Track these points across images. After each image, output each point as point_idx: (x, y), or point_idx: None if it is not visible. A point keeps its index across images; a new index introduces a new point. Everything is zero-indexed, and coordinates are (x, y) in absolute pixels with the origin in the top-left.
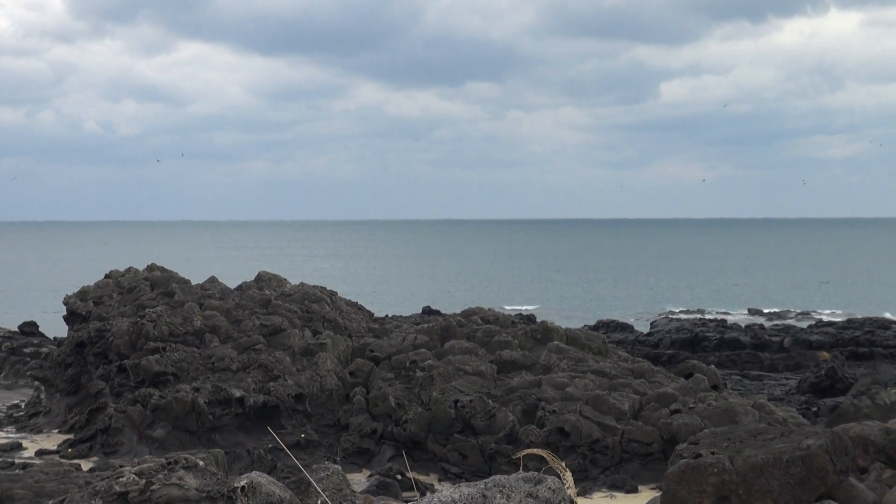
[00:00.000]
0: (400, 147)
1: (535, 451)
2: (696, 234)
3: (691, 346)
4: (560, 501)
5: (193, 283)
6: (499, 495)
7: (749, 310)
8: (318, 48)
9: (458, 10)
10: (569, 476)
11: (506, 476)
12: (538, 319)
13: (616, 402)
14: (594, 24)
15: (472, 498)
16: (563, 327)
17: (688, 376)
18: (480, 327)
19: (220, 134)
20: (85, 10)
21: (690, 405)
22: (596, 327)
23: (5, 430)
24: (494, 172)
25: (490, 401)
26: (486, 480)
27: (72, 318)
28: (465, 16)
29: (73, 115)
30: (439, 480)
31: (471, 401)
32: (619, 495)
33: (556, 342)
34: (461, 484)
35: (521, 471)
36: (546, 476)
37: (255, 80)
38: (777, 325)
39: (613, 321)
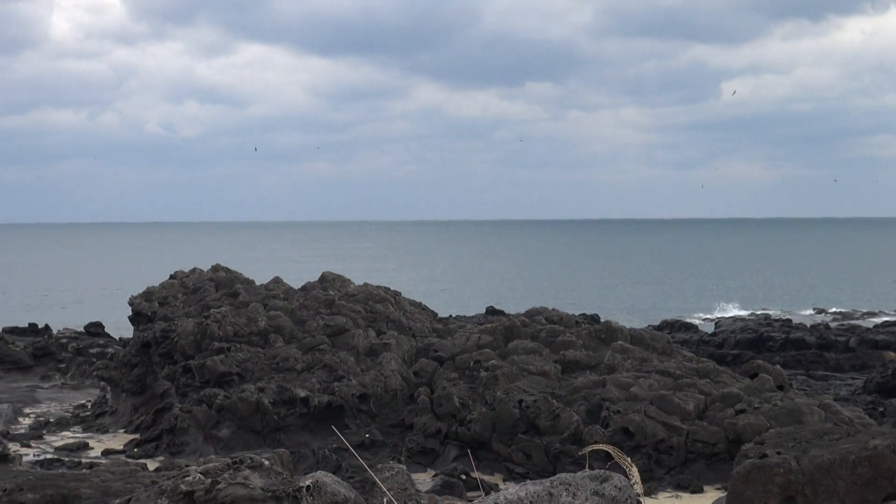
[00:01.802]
0: (460, 147)
1: (601, 446)
2: (759, 233)
3: (756, 346)
4: (627, 499)
5: (258, 283)
6: (565, 493)
7: (814, 309)
8: (377, 49)
9: (515, 9)
10: (635, 472)
11: (572, 474)
12: (602, 319)
13: (681, 402)
14: (652, 23)
15: (538, 496)
16: (628, 327)
17: (753, 376)
18: (544, 327)
19: (280, 135)
20: (145, 13)
21: (756, 405)
22: (660, 327)
23: (72, 429)
24: (555, 173)
25: (554, 401)
26: (552, 478)
27: (137, 318)
28: (522, 16)
29: (134, 117)
30: (504, 480)
31: (535, 401)
32: (685, 495)
33: (620, 342)
34: (527, 482)
35: (587, 469)
36: (612, 474)
37: (314, 82)
38: (843, 324)
39: (677, 321)
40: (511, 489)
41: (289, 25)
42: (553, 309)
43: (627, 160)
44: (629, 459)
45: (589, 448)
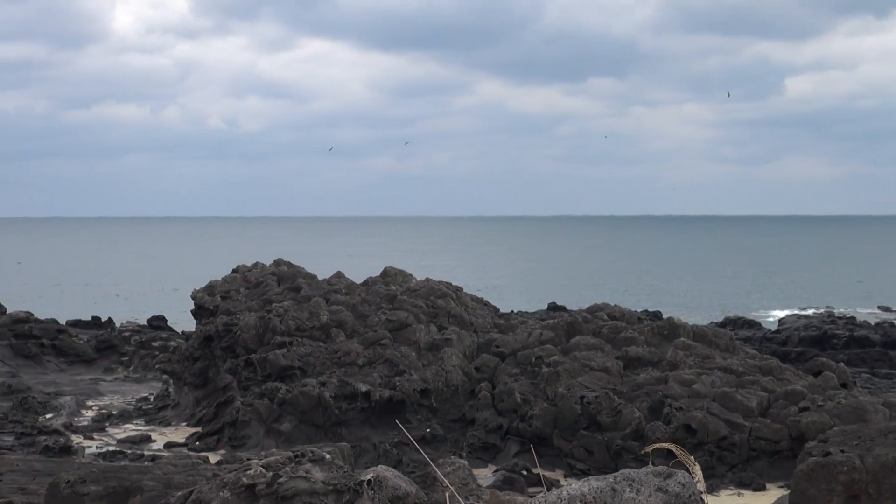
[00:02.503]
0: (522, 143)
1: (663, 444)
2: (822, 231)
3: (820, 343)
4: (690, 496)
5: (320, 278)
6: (628, 489)
7: (879, 307)
8: (439, 44)
9: (578, 5)
10: (698, 470)
11: (635, 470)
12: (664, 316)
13: (744, 399)
14: (715, 19)
15: (601, 491)
16: (690, 324)
17: (817, 374)
18: (606, 323)
19: (342, 130)
20: (208, 8)
21: (819, 403)
22: (723, 324)
23: (135, 422)
24: (618, 168)
25: (616, 397)
26: (615, 474)
27: (199, 312)
28: (585, 11)
29: (197, 112)
30: (565, 476)
31: (596, 397)
32: (747, 493)
33: (682, 339)
34: (589, 478)
35: (650, 464)
36: (676, 470)
37: (376, 77)
38: None
39: (740, 318)
40: (574, 485)
41: (351, 21)
42: (615, 305)
43: (690, 156)
44: (692, 457)
45: (651, 446)
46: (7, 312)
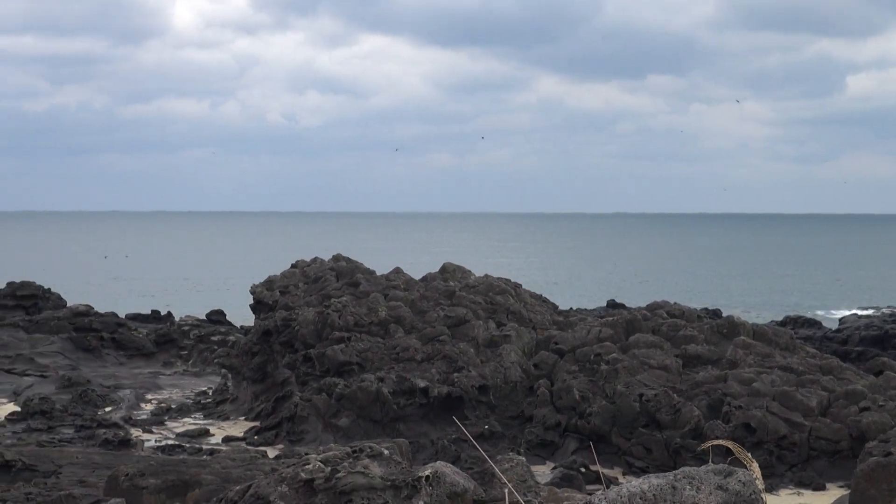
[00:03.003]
0: (581, 140)
1: (722, 442)
2: (883, 229)
3: (881, 343)
4: (750, 494)
5: (378, 273)
6: (688, 487)
7: None
8: (497, 40)
9: (636, 2)
10: (756, 468)
11: (695, 468)
12: (723, 314)
13: (804, 398)
14: (775, 16)
15: (660, 489)
16: (750, 323)
17: (878, 374)
18: (665, 321)
19: (401, 126)
20: (267, 3)
21: (880, 403)
22: (783, 323)
23: (193, 416)
24: (677, 166)
25: (675, 395)
26: (675, 472)
27: (258, 307)
28: (644, 7)
29: (256, 107)
30: (623, 474)
31: (655, 395)
32: (807, 493)
33: (742, 337)
34: (649, 475)
35: (710, 462)
36: (736, 469)
37: (435, 73)
38: None
39: (801, 317)
40: (634, 482)
41: (410, 16)
42: (674, 303)
43: (749, 154)
44: (750, 455)
45: (709, 443)
46: (67, 306)
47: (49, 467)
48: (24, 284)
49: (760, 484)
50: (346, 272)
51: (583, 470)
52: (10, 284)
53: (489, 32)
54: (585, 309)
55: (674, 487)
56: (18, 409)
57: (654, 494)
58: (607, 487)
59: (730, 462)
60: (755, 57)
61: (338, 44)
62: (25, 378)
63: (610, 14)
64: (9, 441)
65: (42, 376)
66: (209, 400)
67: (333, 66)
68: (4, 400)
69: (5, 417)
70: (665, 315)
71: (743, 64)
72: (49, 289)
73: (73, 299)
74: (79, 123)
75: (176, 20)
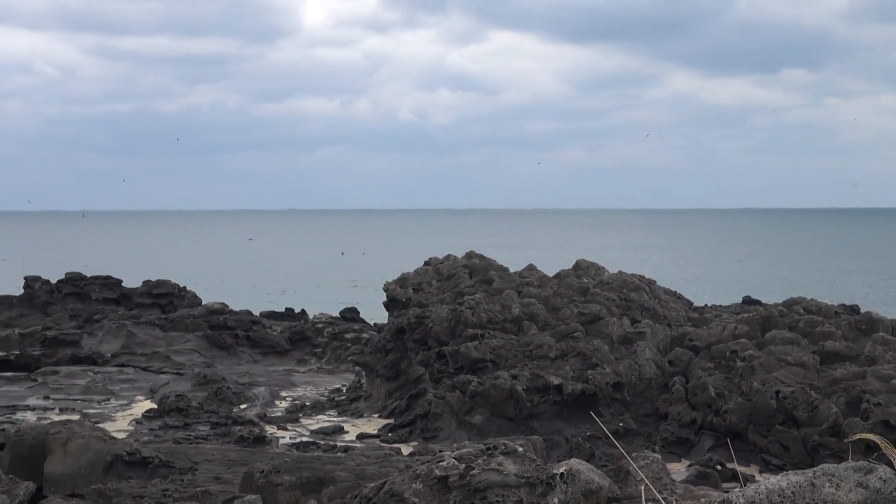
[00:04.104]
0: (714, 135)
1: (868, 436)
2: None
3: None
4: (892, 492)
5: (511, 270)
6: (827, 484)
7: None
8: (628, 36)
9: None
10: None
11: (834, 465)
12: (862, 310)
13: None
14: None
15: (799, 486)
16: (888, 318)
17: None
18: (802, 318)
19: (532, 122)
20: (396, 1)
21: None
22: None
23: (327, 413)
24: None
25: (812, 392)
26: (814, 469)
27: (392, 304)
28: (775, 1)
29: (387, 105)
30: (760, 472)
31: (793, 392)
32: None
33: (881, 333)
34: (788, 472)
35: (850, 459)
36: (877, 465)
37: (565, 69)
38: None
39: None
40: (772, 479)
41: (539, 13)
42: (811, 299)
43: (887, 148)
44: (895, 450)
45: (855, 437)
46: (203, 304)
47: (185, 464)
48: (159, 283)
49: None
50: (479, 269)
51: (719, 468)
52: (146, 283)
53: (619, 28)
54: (720, 305)
55: (812, 485)
56: (155, 406)
57: (792, 492)
58: (744, 485)
59: (876, 457)
60: (892, 50)
61: (468, 41)
62: (162, 376)
63: (742, 8)
64: (146, 438)
65: (178, 374)
66: (343, 397)
67: (464, 63)
68: (141, 397)
69: (142, 415)
70: (802, 311)
71: (879, 57)
72: (184, 287)
73: (208, 297)
74: (212, 123)
75: (306, 19)
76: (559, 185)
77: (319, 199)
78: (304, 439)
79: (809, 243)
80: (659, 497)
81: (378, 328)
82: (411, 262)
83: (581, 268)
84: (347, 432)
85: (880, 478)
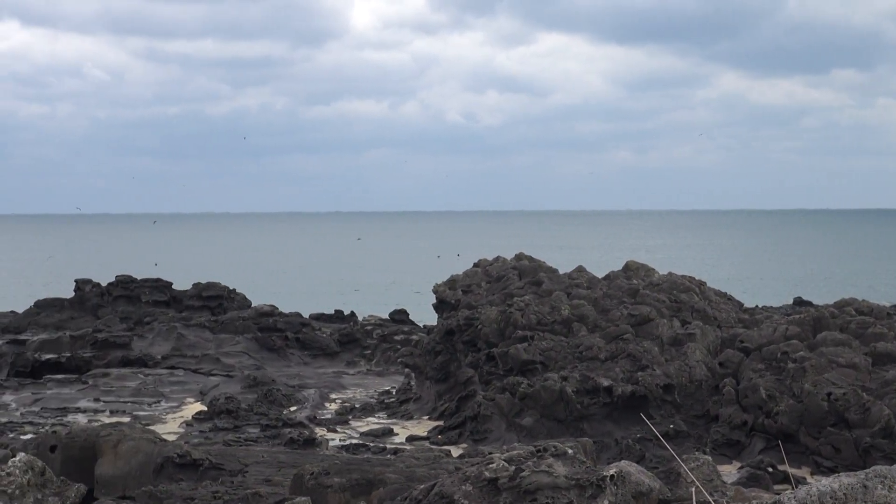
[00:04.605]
0: (764, 136)
1: None
2: None
3: None
4: None
5: (561, 272)
6: (880, 486)
7: None
8: (676, 37)
9: None
10: None
11: (887, 467)
12: None
13: None
14: None
15: (852, 488)
16: None
17: None
18: (854, 319)
19: (580, 124)
20: (445, 3)
21: None
22: None
23: (377, 415)
24: (863, 161)
25: (864, 394)
26: (867, 471)
27: (441, 306)
28: (825, 2)
29: (436, 107)
30: (811, 474)
31: (844, 394)
32: None
33: None
34: (840, 474)
35: None
36: None
37: (614, 70)
38: None
39: None
40: (824, 481)
41: (587, 14)
42: (863, 300)
43: None
44: None
45: None
46: (252, 306)
47: (235, 466)
48: (209, 285)
49: None
50: (528, 271)
51: (770, 470)
52: (195, 285)
53: (667, 29)
54: (771, 306)
55: (865, 486)
56: (205, 408)
57: (844, 493)
58: (795, 487)
59: None
60: None
61: (516, 42)
62: (212, 378)
63: (791, 8)
64: (196, 440)
65: (228, 376)
66: (393, 399)
67: (512, 64)
68: (191, 399)
69: (192, 417)
70: (853, 312)
71: None
72: (234, 289)
73: (257, 300)
74: (261, 125)
75: (354, 21)
76: (608, 186)
77: (369, 202)
78: (354, 441)
79: (860, 244)
80: (710, 499)
81: (427, 330)
82: (460, 264)
83: (631, 269)
84: (397, 434)
85: None
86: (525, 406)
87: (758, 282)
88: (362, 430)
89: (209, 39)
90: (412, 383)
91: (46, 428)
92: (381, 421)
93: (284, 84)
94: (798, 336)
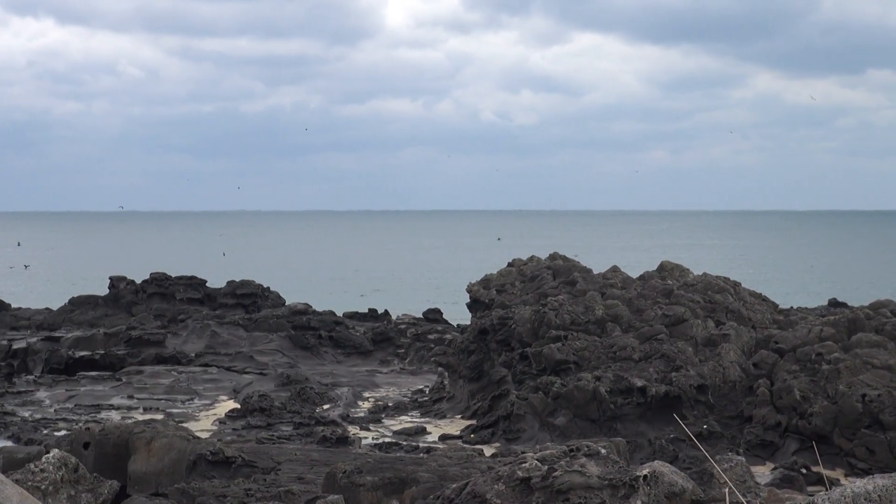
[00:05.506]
0: (800, 136)
1: None
2: None
3: None
4: None
5: (595, 272)
6: None
7: None
8: (711, 37)
9: None
10: None
11: None
12: None
13: None
14: None
15: (886, 489)
16: None
17: None
18: (889, 320)
19: (616, 124)
20: (478, 2)
21: None
22: None
23: (410, 414)
24: None
25: None
26: None
27: (475, 305)
28: (861, 1)
29: (470, 106)
30: (846, 475)
31: (879, 395)
32: None
33: None
34: (874, 476)
35: None
36: None
37: (649, 70)
38: None
39: None
40: (858, 482)
41: (622, 14)
42: None
43: None
44: None
45: None
46: (286, 304)
47: (268, 464)
48: (243, 283)
49: None
50: (562, 270)
51: (804, 471)
52: (230, 283)
53: (702, 28)
54: (806, 308)
55: None
56: (238, 406)
57: (879, 495)
58: (829, 489)
59: None
60: None
61: (550, 42)
62: (245, 375)
63: (827, 8)
64: (229, 437)
65: (261, 374)
66: (426, 398)
67: (546, 64)
68: (225, 397)
69: (226, 414)
70: (888, 314)
71: None
72: (268, 287)
73: (291, 298)
74: (295, 124)
75: (388, 20)
76: (643, 186)
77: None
78: (387, 440)
79: (893, 246)
80: (743, 500)
81: (461, 329)
82: (494, 263)
83: (665, 269)
84: (430, 433)
85: None
86: (558, 406)
87: (793, 282)
88: (395, 428)
89: (244, 38)
90: (445, 382)
91: (80, 425)
92: (414, 420)
93: (319, 82)
94: (833, 337)
